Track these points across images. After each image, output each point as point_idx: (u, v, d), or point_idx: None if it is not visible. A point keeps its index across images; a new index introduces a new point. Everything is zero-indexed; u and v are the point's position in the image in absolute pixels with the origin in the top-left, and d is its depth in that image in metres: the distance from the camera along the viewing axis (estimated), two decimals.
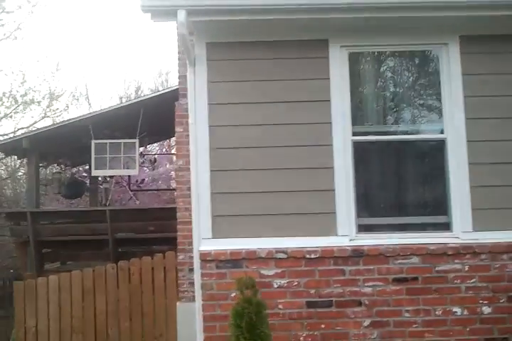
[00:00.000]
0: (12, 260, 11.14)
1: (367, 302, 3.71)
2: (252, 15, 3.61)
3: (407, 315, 3.70)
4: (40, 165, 9.49)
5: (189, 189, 5.44)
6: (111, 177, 9.73)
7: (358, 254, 3.72)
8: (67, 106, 17.13)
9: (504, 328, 3.69)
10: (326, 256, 3.72)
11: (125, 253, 7.91)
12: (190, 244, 5.40)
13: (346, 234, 3.77)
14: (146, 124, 8.24)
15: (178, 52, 5.74)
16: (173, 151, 16.27)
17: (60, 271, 7.27)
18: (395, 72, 4.13)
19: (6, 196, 15.81)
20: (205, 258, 3.75)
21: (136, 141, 8.29)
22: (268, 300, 3.45)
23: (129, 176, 10.34)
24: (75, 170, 11.41)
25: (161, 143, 15.80)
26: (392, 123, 4.09)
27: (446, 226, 3.84)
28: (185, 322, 5.29)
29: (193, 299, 5.27)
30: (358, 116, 3.97)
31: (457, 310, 3.70)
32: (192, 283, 5.36)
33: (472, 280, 3.71)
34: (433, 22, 3.76)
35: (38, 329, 6.00)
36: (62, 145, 8.85)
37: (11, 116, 15.43)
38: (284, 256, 3.73)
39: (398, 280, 3.71)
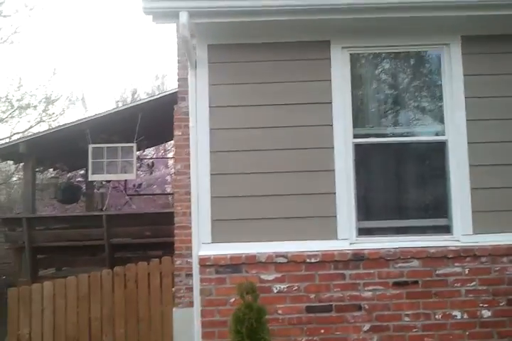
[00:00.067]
0: (4, 266, 11.02)
1: (367, 307, 3.68)
2: (253, 16, 3.60)
3: (407, 319, 3.68)
4: (37, 170, 9.42)
5: (187, 193, 5.43)
6: (108, 181, 9.67)
7: (358, 258, 3.70)
8: (63, 111, 17.15)
9: (504, 332, 3.67)
10: (327, 260, 3.70)
11: (121, 258, 7.85)
12: (188, 248, 5.38)
13: (347, 237, 3.75)
14: (144, 128, 8.22)
15: (178, 55, 5.73)
16: (169, 155, 16.26)
17: (55, 277, 7.19)
18: (397, 73, 4.12)
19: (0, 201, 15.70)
20: (205, 263, 3.72)
21: (134, 145, 8.25)
22: (267, 306, 3.41)
23: (125, 180, 10.27)
24: (69, 174, 11.34)
25: (157, 147, 15.77)
26: (393, 125, 4.07)
27: (447, 229, 3.83)
28: (182, 328, 5.24)
29: (190, 304, 5.23)
30: (359, 118, 3.96)
31: (457, 313, 3.68)
32: (189, 289, 5.33)
33: (472, 284, 3.69)
34: (434, 22, 3.76)
35: (31, 336, 5.92)
36: (58, 149, 8.80)
37: (6, 121, 15.38)
38: (284, 260, 3.70)
39: (398, 284, 3.69)
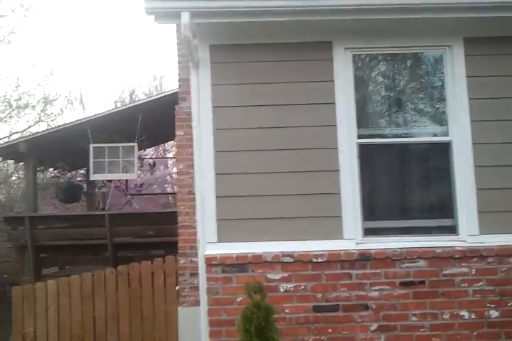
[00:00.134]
0: (5, 265, 11.01)
1: (374, 307, 3.68)
2: (255, 17, 3.60)
3: (414, 319, 3.68)
4: (38, 169, 9.42)
5: (190, 193, 5.44)
6: (109, 181, 9.66)
7: (364, 258, 3.70)
8: (62, 111, 17.11)
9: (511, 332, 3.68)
10: (333, 259, 3.70)
11: (123, 257, 7.86)
12: (192, 248, 5.39)
13: (352, 237, 3.75)
14: (144, 128, 8.21)
15: (178, 56, 5.73)
16: (168, 155, 16.27)
17: (58, 275, 7.19)
18: (399, 74, 4.13)
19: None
20: (211, 262, 3.72)
21: (135, 144, 8.24)
22: (274, 305, 3.38)
23: (126, 180, 10.27)
24: (69, 174, 11.33)
25: (156, 147, 15.77)
26: (397, 126, 4.08)
27: (452, 230, 3.83)
28: (186, 326, 5.25)
29: (194, 303, 5.24)
30: (362, 118, 3.96)
31: (464, 313, 3.68)
32: (193, 288, 5.34)
33: (479, 284, 3.70)
34: (437, 24, 3.77)
35: (36, 334, 5.92)
36: (59, 149, 8.80)
37: (5, 121, 15.34)
38: (291, 259, 3.70)
39: (405, 284, 3.69)
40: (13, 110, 15.32)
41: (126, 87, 24.94)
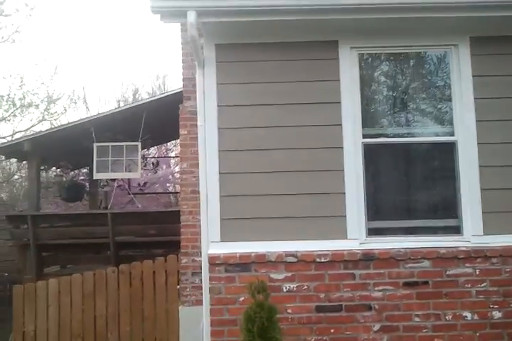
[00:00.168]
0: (7, 263, 11.02)
1: (377, 307, 3.67)
2: (262, 16, 3.59)
3: (417, 319, 3.67)
4: (41, 168, 9.43)
5: (193, 192, 5.44)
6: (112, 180, 9.67)
7: (368, 258, 3.69)
8: (65, 110, 17.14)
9: None
10: (336, 259, 3.69)
11: (125, 256, 7.86)
12: (194, 247, 5.39)
13: (356, 237, 3.74)
14: (147, 127, 8.22)
15: (182, 55, 5.74)
16: (170, 154, 16.28)
17: (59, 274, 7.20)
18: (405, 73, 4.12)
19: (2, 200, 15.70)
20: (214, 261, 3.71)
21: (139, 143, 8.24)
22: (277, 305, 3.38)
23: (128, 179, 10.27)
24: (72, 173, 11.34)
25: (159, 146, 15.78)
26: (402, 125, 4.06)
27: (457, 230, 3.81)
28: (187, 326, 5.25)
29: (196, 303, 5.23)
30: (368, 118, 3.95)
31: (467, 314, 3.67)
32: (195, 287, 5.34)
33: (483, 285, 3.68)
34: (443, 23, 3.75)
35: (36, 333, 5.93)
36: (62, 148, 8.80)
37: (9, 120, 15.37)
38: (294, 259, 3.69)
39: (409, 285, 3.68)
40: (17, 109, 15.35)
41: (130, 86, 25.00)
